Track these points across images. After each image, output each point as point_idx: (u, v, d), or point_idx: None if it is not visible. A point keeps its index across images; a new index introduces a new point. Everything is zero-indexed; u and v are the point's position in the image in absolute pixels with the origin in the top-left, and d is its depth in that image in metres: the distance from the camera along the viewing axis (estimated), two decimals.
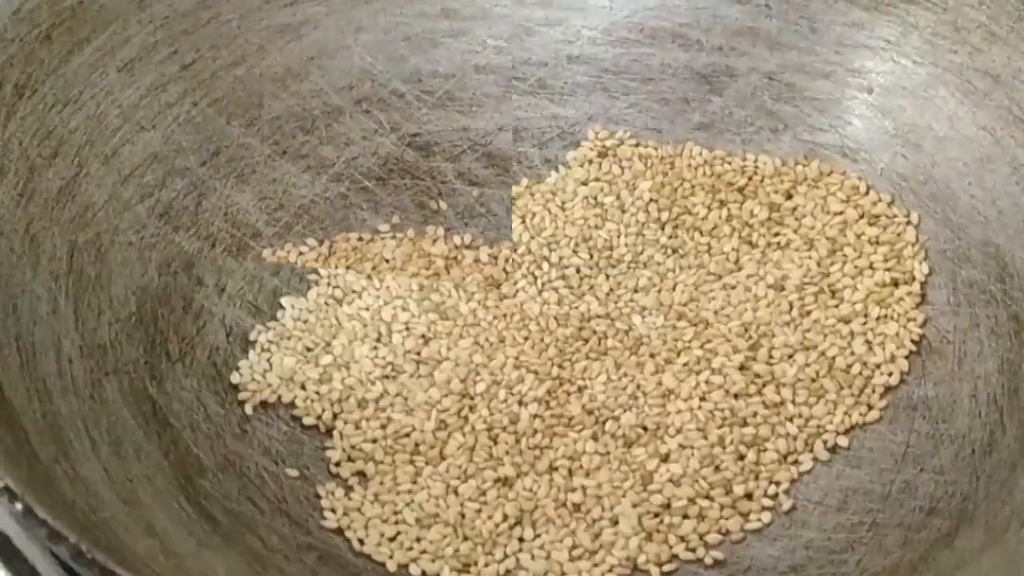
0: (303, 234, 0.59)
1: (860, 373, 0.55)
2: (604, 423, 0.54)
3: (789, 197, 0.60)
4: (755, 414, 0.54)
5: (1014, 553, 0.47)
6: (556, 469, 0.53)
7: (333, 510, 0.52)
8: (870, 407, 0.54)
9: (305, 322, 0.57)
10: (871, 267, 0.57)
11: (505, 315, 0.57)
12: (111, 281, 0.54)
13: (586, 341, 0.56)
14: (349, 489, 0.52)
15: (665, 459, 0.53)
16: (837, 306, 0.56)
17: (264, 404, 0.54)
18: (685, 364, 0.55)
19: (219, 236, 0.58)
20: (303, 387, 0.55)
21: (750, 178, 0.60)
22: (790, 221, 0.59)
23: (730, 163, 0.61)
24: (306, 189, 0.60)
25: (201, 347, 0.55)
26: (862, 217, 0.59)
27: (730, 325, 0.56)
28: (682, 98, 0.63)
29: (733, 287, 0.57)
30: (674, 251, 0.59)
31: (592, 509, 0.52)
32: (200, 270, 0.56)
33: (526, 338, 0.56)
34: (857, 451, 0.53)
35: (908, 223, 0.58)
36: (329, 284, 0.58)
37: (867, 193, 0.59)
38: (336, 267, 0.58)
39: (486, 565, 0.51)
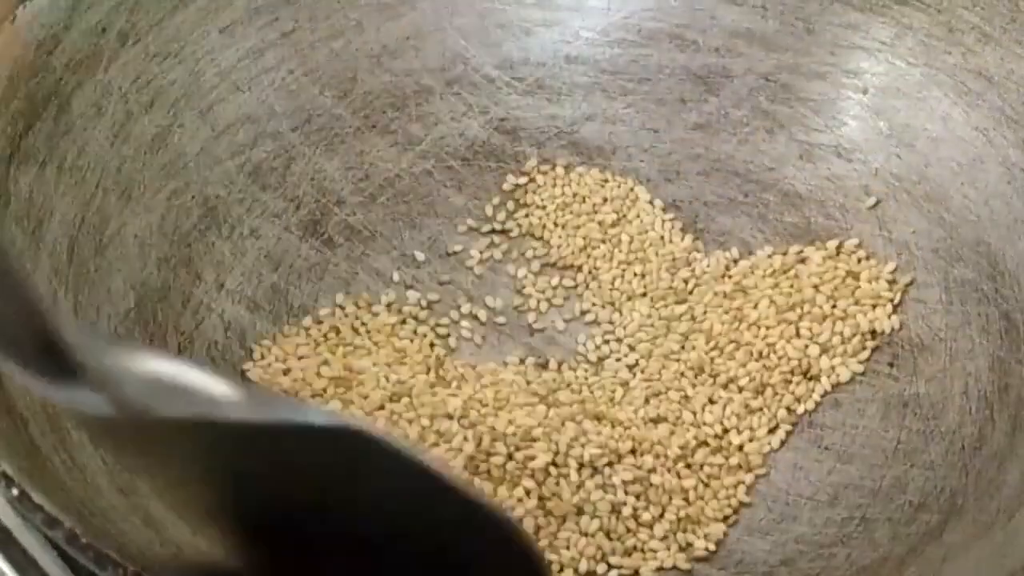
0: (386, 205, 0.60)
1: (843, 318, 0.56)
2: None
3: None
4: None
5: (1001, 547, 0.47)
6: None
7: None
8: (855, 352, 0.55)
9: None
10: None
11: None
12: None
13: None
14: None
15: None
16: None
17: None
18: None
19: (304, 199, 0.59)
20: None
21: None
22: None
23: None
24: (392, 163, 0.61)
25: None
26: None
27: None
28: (679, 98, 0.63)
29: None
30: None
31: None
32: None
33: None
34: (848, 447, 0.54)
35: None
36: None
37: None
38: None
39: None
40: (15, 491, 0.42)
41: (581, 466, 0.52)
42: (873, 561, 0.50)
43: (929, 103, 0.59)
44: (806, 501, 0.52)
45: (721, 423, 0.54)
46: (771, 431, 0.54)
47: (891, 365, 0.56)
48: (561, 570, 0.50)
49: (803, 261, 0.58)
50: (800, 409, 0.55)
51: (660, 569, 0.51)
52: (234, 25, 0.60)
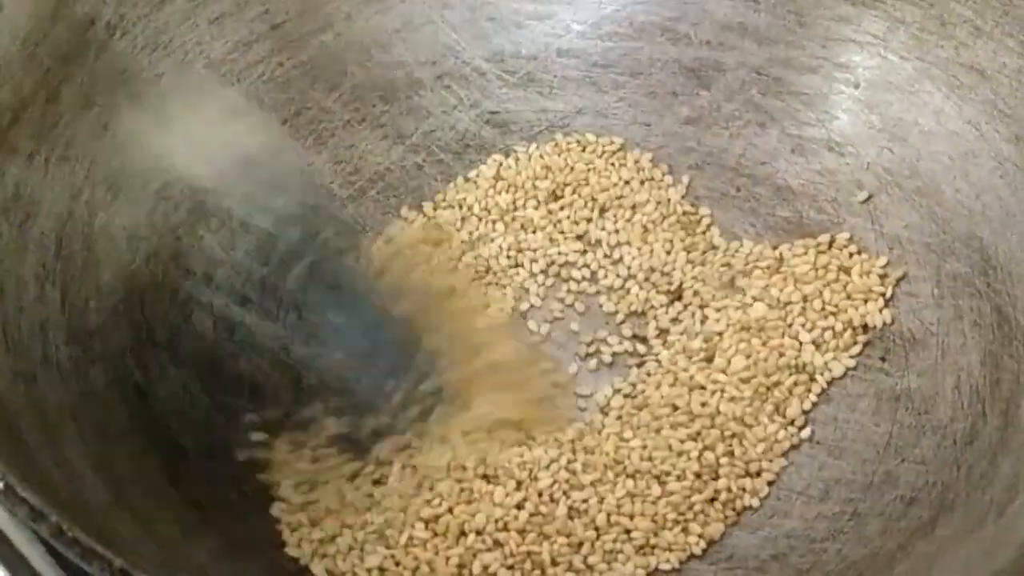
0: (376, 199, 0.60)
1: (835, 313, 0.56)
2: None
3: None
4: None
5: (992, 542, 0.47)
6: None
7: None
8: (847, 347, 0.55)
9: None
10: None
11: None
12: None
13: None
14: None
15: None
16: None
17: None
18: None
19: None
20: None
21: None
22: None
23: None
24: (382, 157, 0.61)
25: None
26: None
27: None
28: (671, 92, 0.63)
29: None
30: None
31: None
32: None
33: None
34: (840, 442, 0.54)
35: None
36: None
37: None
38: None
39: None
40: (0, 484, 0.42)
41: None
42: (864, 556, 0.50)
43: (921, 97, 0.59)
44: (797, 496, 0.52)
45: (729, 423, 0.54)
46: (777, 431, 0.54)
47: (883, 360, 0.56)
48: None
49: (795, 256, 0.58)
50: (796, 409, 0.54)
51: (656, 570, 0.51)
52: (223, 17, 0.60)
